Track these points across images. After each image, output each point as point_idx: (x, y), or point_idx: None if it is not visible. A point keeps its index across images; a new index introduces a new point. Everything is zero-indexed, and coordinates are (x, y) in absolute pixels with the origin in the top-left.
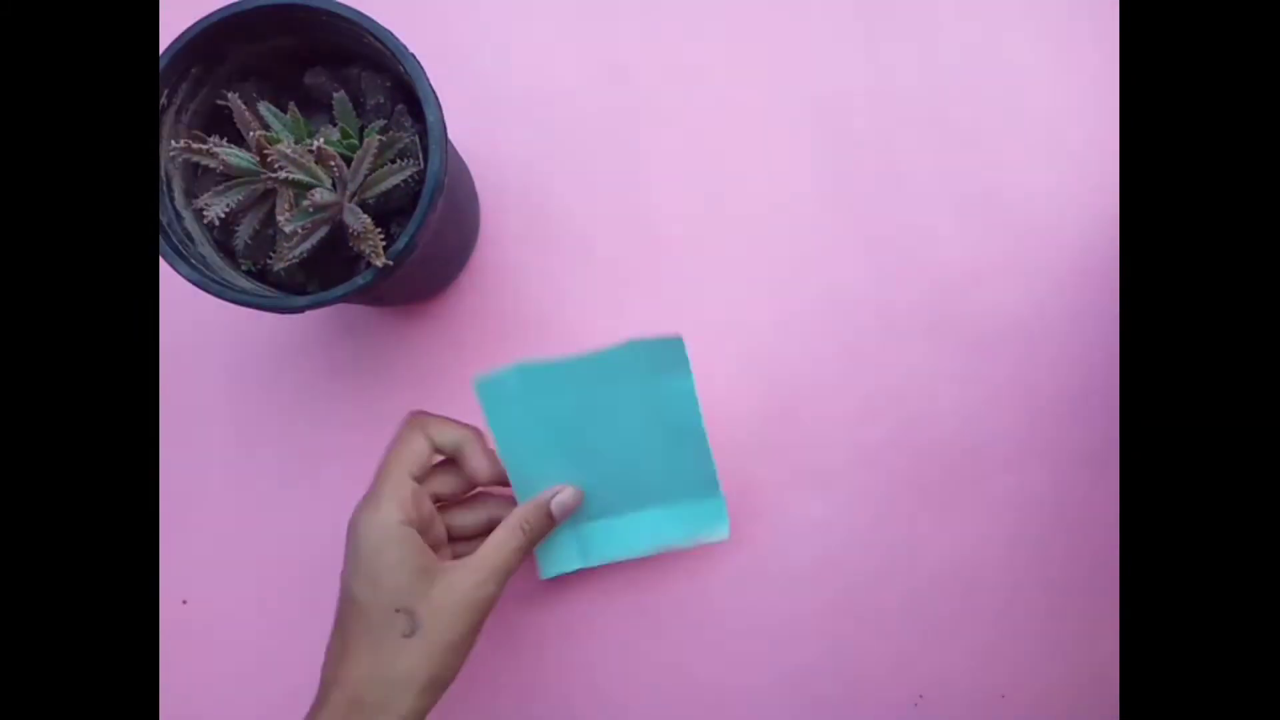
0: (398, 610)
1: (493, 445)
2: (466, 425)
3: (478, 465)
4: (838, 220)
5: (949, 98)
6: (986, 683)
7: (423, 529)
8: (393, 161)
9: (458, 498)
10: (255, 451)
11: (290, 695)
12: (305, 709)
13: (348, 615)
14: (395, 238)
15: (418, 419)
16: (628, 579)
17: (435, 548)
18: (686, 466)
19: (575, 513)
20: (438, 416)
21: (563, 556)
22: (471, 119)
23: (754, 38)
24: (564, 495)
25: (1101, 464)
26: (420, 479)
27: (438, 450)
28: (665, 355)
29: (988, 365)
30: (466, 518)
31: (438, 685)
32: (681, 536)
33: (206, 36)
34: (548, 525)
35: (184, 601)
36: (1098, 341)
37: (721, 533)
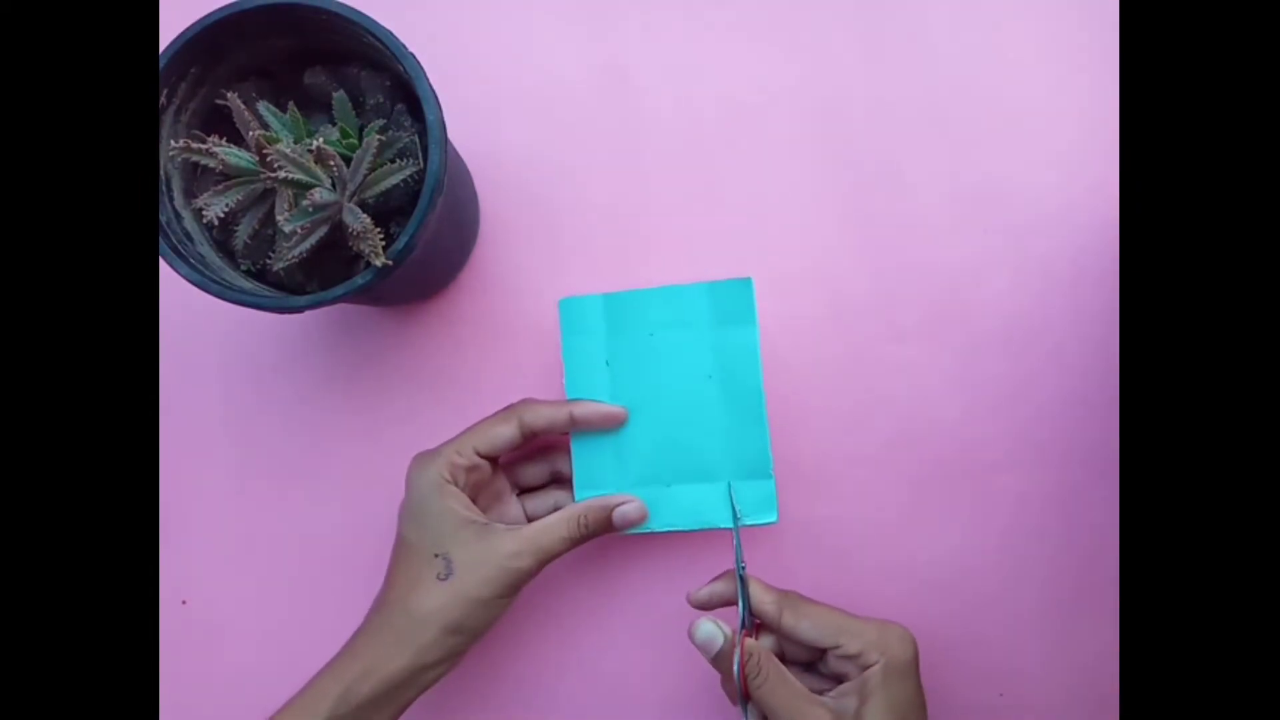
0: (437, 555)
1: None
2: (564, 405)
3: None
4: (837, 220)
5: (948, 97)
6: (985, 682)
7: (473, 492)
8: (392, 161)
9: (521, 447)
10: (255, 451)
11: (290, 694)
12: None
13: (398, 551)
14: (395, 237)
15: (519, 405)
16: (625, 576)
17: (495, 501)
18: (741, 439)
19: (637, 524)
20: (538, 401)
21: None
22: (471, 118)
23: (754, 37)
24: (629, 507)
25: (1100, 463)
26: (492, 458)
27: (531, 432)
28: (734, 299)
29: (987, 365)
30: (530, 472)
31: (463, 631)
32: (727, 517)
33: (206, 36)
34: (605, 529)
35: (184, 602)
36: (1097, 341)
37: (769, 517)
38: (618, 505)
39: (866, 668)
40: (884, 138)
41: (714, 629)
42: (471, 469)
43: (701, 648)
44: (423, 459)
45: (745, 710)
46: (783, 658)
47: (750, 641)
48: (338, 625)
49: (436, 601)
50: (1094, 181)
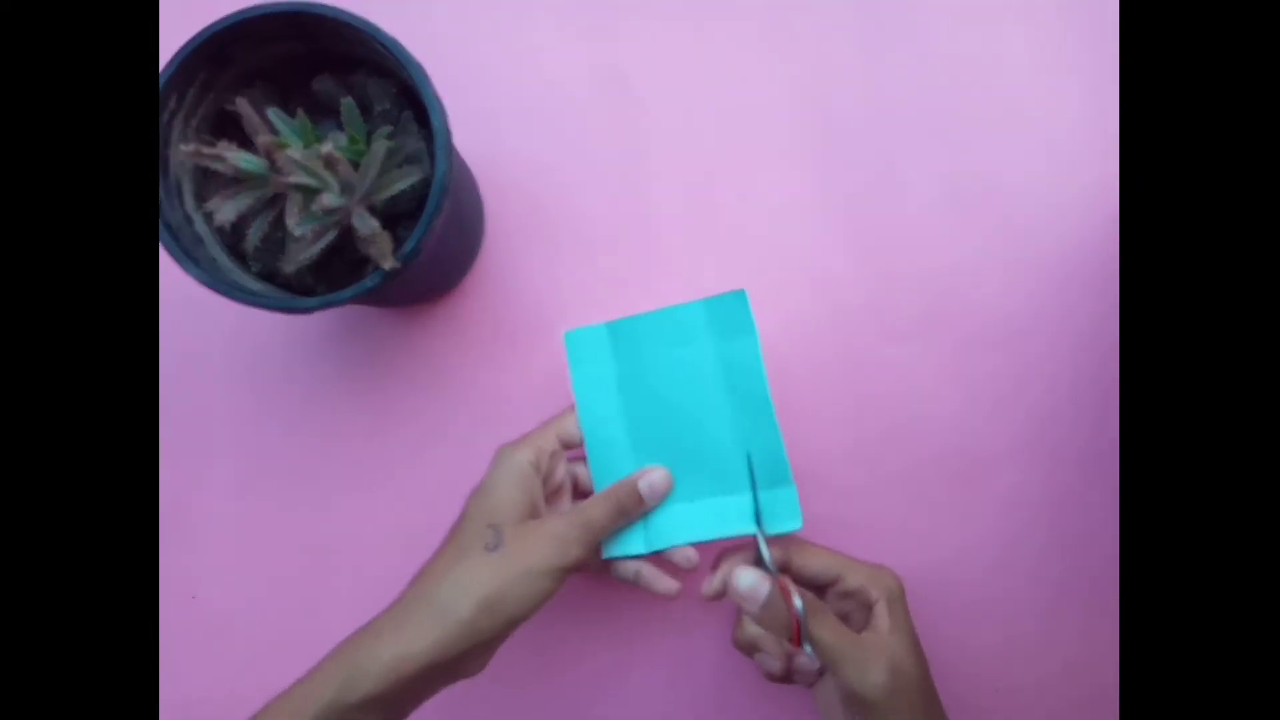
0: (490, 525)
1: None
2: None
3: None
4: (836, 220)
5: (947, 98)
6: (985, 681)
7: (547, 477)
8: (399, 166)
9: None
10: (263, 449)
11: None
12: None
13: (455, 525)
14: (402, 241)
15: None
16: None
17: (556, 494)
18: (756, 449)
19: (660, 502)
20: None
21: (626, 538)
22: (476, 124)
23: (755, 39)
24: (653, 476)
25: (1099, 463)
26: (569, 446)
27: None
28: (731, 312)
29: (985, 364)
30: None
31: (499, 611)
32: (750, 526)
33: (215, 42)
34: (636, 504)
35: (194, 596)
36: (1095, 341)
37: (794, 523)
38: (640, 479)
39: (869, 604)
40: (881, 140)
41: (758, 575)
42: (554, 454)
43: (746, 597)
44: (511, 447)
45: (809, 650)
46: None
47: (790, 583)
48: (344, 621)
49: (479, 571)
50: (1091, 181)
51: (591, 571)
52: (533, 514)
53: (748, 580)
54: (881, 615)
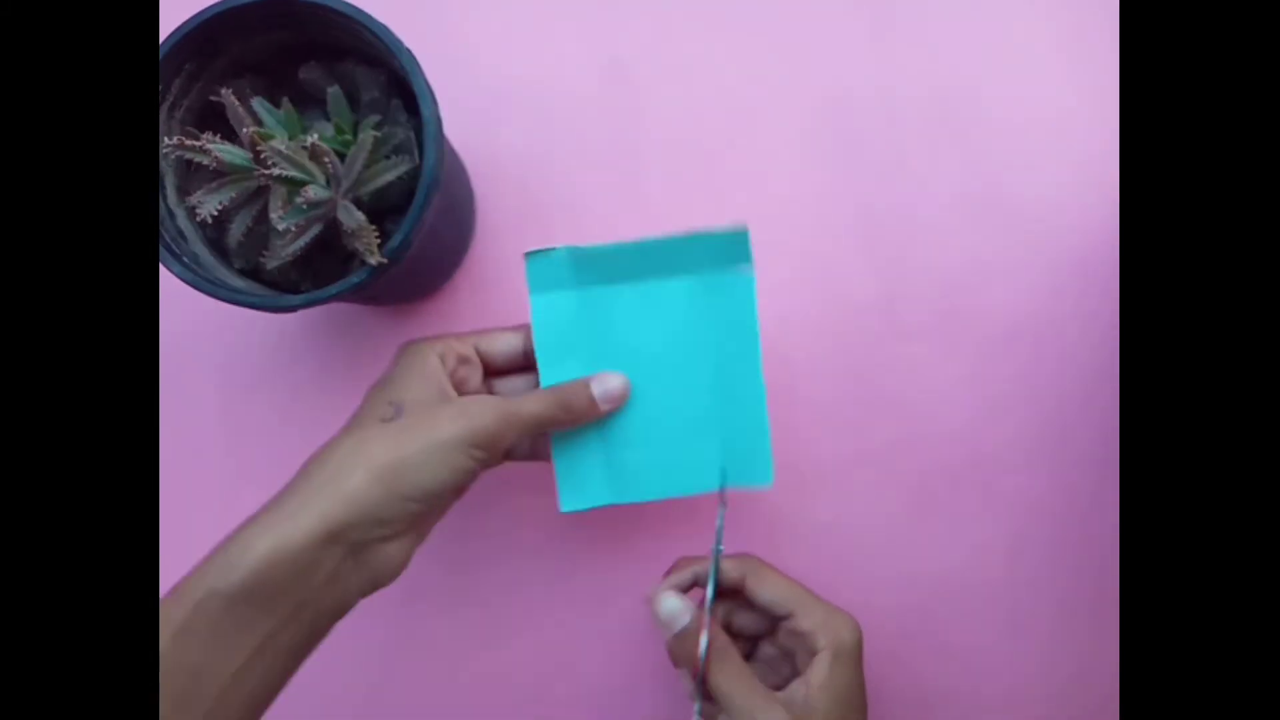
0: (390, 402)
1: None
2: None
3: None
4: (840, 220)
5: (952, 97)
6: (987, 683)
7: (458, 384)
8: (387, 157)
9: (522, 368)
10: (249, 452)
11: (287, 693)
12: (302, 707)
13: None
14: (390, 235)
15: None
16: (620, 581)
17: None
18: (735, 396)
19: (616, 409)
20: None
21: (589, 487)
22: (467, 114)
23: (756, 34)
24: (610, 381)
25: (1104, 465)
26: (488, 365)
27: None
28: (728, 249)
29: (991, 366)
30: (516, 383)
31: (400, 478)
32: (720, 480)
33: (201, 32)
34: (586, 407)
35: None
36: (1101, 342)
37: (765, 479)
38: (594, 381)
39: (813, 653)
40: (888, 137)
41: (680, 606)
42: (464, 361)
43: (664, 624)
44: (417, 341)
45: (699, 695)
46: (730, 630)
47: (710, 621)
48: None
49: (370, 440)
50: (1101, 182)
51: (520, 457)
52: (440, 388)
53: (668, 608)
54: (819, 668)
